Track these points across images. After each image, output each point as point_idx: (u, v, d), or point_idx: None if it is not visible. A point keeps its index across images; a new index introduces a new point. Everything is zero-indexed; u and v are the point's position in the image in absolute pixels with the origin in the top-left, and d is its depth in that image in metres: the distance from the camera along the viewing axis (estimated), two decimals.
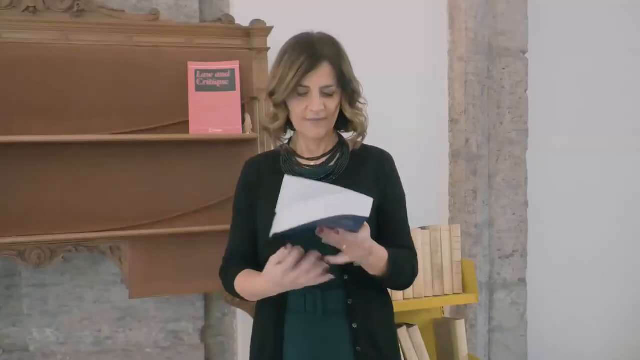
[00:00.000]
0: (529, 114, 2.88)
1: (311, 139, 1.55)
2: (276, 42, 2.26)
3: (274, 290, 1.39)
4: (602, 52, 3.12)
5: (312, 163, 1.58)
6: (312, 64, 1.44)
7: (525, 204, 2.90)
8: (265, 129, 1.59)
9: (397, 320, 2.45)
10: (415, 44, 2.76)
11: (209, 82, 2.21)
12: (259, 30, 2.25)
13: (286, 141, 1.63)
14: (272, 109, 1.54)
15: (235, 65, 2.23)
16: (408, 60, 2.75)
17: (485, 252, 2.85)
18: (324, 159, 1.58)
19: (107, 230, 2.12)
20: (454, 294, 2.40)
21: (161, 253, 2.20)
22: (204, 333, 2.49)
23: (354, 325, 1.49)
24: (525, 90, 2.86)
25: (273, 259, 1.35)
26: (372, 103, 2.78)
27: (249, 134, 2.23)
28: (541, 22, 2.95)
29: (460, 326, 2.35)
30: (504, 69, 2.83)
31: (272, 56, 2.27)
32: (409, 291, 2.38)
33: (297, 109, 1.48)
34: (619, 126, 3.18)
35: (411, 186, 2.87)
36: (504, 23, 2.81)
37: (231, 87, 2.22)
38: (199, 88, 2.20)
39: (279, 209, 1.28)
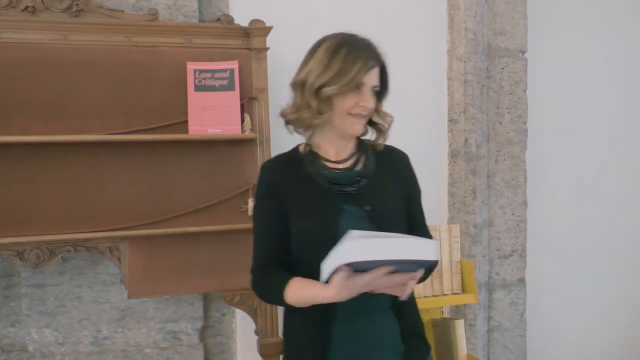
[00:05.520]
0: (528, 114, 2.87)
1: (340, 140, 1.56)
2: (275, 42, 2.28)
3: (340, 298, 1.36)
4: (601, 52, 3.13)
5: (340, 166, 1.57)
6: (374, 63, 1.49)
7: (524, 203, 2.90)
8: (295, 120, 1.53)
9: None
10: (414, 43, 2.75)
11: (208, 82, 2.20)
12: (258, 30, 2.24)
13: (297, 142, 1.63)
14: (311, 102, 1.49)
15: (234, 65, 2.22)
16: (407, 60, 2.74)
17: (484, 252, 2.85)
18: (350, 162, 1.58)
19: (106, 231, 2.11)
20: (453, 294, 2.40)
21: (160, 253, 2.19)
22: (203, 333, 2.49)
23: (401, 321, 1.53)
24: (524, 90, 2.86)
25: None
26: None
27: (248, 134, 2.22)
28: (540, 22, 2.96)
29: (460, 326, 2.35)
30: (503, 69, 2.83)
31: (271, 56, 2.29)
32: None
33: (347, 103, 1.48)
34: (618, 126, 3.19)
35: None
36: (502, 23, 2.81)
37: (230, 87, 2.22)
38: (197, 88, 2.19)
39: (346, 239, 1.28)
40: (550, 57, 3.03)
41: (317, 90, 1.47)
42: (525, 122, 2.87)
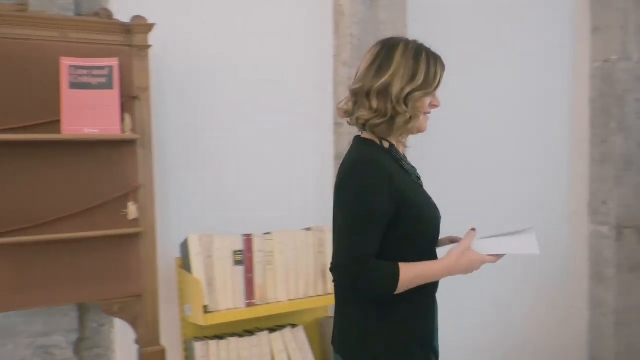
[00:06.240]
0: None
1: (406, 137, 1.70)
2: (159, 41, 2.21)
3: (454, 273, 1.61)
4: (481, 57, 3.30)
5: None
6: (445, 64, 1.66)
7: None
8: (382, 124, 1.61)
9: (281, 321, 2.48)
10: (301, 47, 2.77)
11: (85, 80, 2.08)
12: (139, 27, 2.14)
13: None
14: (400, 107, 1.58)
15: (113, 62, 2.11)
16: (294, 64, 2.76)
17: None
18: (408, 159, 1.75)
19: None
20: None
21: (31, 262, 2.04)
22: (78, 346, 2.35)
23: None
24: None
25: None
26: (259, 106, 2.78)
27: (128, 134, 2.13)
28: (420, 31, 3.07)
29: None
30: None
31: (154, 54, 2.21)
32: (293, 292, 2.41)
33: (425, 103, 1.63)
34: (478, 129, 3.37)
35: (296, 188, 2.90)
36: (385, 31, 2.89)
37: (109, 86, 2.11)
38: (73, 85, 2.06)
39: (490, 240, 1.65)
40: None
41: (407, 95, 1.57)
42: None
